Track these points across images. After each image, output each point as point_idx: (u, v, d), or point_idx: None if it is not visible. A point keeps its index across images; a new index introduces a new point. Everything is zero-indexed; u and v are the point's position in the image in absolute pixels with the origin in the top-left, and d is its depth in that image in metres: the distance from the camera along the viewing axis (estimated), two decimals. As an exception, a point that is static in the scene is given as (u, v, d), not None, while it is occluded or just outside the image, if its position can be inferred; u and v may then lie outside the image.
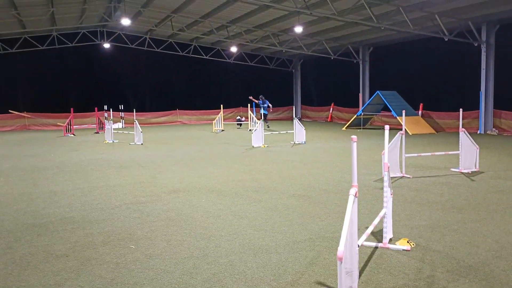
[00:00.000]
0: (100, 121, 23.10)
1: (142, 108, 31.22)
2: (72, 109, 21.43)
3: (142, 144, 15.67)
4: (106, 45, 27.05)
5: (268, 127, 22.68)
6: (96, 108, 23.01)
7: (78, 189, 7.72)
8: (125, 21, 20.80)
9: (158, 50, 27.57)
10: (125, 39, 26.34)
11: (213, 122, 22.67)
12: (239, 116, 25.89)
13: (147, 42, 26.90)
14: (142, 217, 5.80)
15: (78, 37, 25.40)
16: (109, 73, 33.47)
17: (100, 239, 4.90)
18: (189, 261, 4.19)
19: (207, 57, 29.15)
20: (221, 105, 23.05)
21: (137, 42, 26.97)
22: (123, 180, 8.60)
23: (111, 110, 18.96)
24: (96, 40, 26.39)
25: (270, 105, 22.83)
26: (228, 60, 30.50)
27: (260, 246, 4.57)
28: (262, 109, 22.59)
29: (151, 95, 36.17)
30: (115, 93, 33.36)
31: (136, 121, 16.61)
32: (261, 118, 21.93)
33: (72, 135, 20.49)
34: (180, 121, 29.80)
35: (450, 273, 3.82)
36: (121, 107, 26.58)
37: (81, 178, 8.90)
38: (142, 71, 34.30)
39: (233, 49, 28.56)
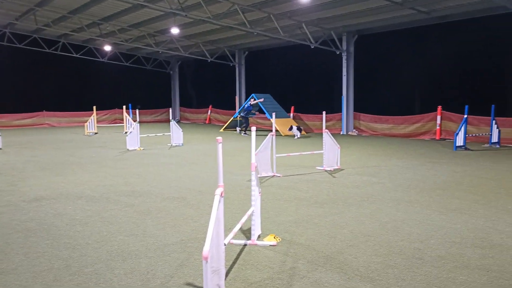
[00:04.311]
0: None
1: (2, 109, 28.05)
2: None
3: (0, 148, 14.15)
4: (-45, 38, 23.87)
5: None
6: None
7: None
8: (-22, 12, 18.58)
9: (21, 46, 25.06)
10: (-21, 32, 23.50)
11: (86, 124, 21.39)
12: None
13: (6, 36, 24.28)
14: (-4, 230, 5.26)
15: None
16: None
17: None
18: (49, 273, 3.91)
19: (77, 56, 27.33)
20: (94, 107, 21.86)
21: (-6, 36, 24.21)
22: (-25, 190, 7.69)
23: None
24: None
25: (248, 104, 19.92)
26: (101, 60, 29.00)
27: (129, 252, 4.45)
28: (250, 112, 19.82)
29: (14, 95, 32.70)
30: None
31: (-7, 124, 14.95)
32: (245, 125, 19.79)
33: None
34: (48, 124, 27.53)
35: (310, 264, 4.14)
36: (-25, 108, 23.68)
37: None
38: (2, 68, 30.85)
39: (107, 48, 27.26)
